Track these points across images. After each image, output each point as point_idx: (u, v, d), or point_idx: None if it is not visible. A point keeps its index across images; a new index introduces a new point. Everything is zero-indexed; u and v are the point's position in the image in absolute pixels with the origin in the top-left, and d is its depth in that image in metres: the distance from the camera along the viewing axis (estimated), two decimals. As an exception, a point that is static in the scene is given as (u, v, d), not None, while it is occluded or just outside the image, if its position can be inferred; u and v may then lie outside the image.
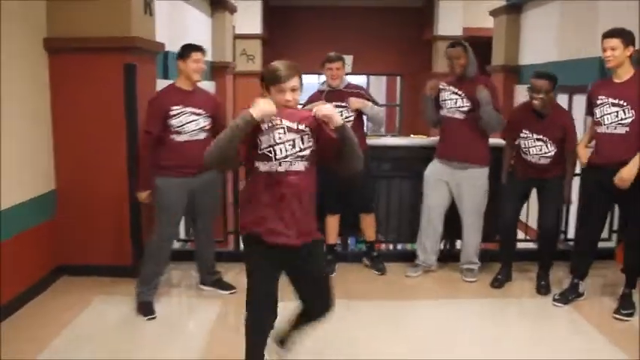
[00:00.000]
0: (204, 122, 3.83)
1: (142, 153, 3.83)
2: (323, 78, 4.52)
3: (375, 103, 4.47)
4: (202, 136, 3.82)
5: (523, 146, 4.16)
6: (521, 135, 4.15)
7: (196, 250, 4.19)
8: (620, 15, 5.33)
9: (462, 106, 4.25)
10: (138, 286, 3.85)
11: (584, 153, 4.02)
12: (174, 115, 3.72)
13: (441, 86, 4.34)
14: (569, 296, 4.05)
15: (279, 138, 2.50)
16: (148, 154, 3.77)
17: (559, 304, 4.02)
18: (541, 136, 4.06)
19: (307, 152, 2.55)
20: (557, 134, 4.04)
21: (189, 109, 3.76)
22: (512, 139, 4.31)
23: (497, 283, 4.37)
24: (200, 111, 3.81)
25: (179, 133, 3.74)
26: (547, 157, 4.08)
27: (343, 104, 4.32)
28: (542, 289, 4.24)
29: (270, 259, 2.58)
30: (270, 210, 2.53)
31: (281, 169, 2.51)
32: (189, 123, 3.76)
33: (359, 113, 4.40)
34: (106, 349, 3.37)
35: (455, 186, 4.38)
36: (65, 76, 4.23)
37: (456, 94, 4.27)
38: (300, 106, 2.73)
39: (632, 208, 3.77)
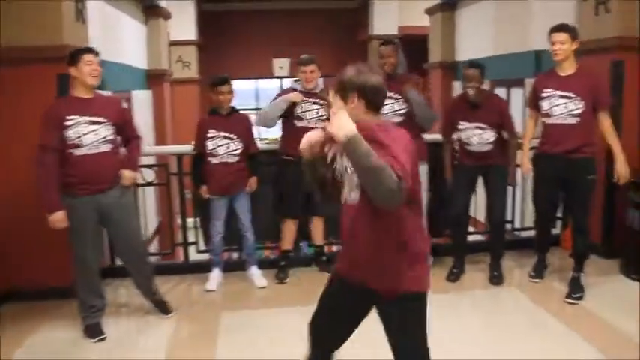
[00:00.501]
0: (105, 132, 3.46)
1: (39, 171, 3.36)
2: (261, 83, 4.48)
3: None
4: (106, 147, 3.47)
5: (464, 138, 4.24)
6: (460, 127, 4.24)
7: (129, 271, 3.86)
8: (553, 10, 5.50)
9: (400, 109, 4.22)
10: (80, 311, 3.64)
11: (527, 165, 4.14)
12: (70, 126, 3.35)
13: None
14: (541, 270, 4.33)
15: (343, 165, 2.15)
16: (50, 171, 3.34)
17: (536, 280, 4.30)
18: (480, 124, 4.17)
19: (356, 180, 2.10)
20: (494, 119, 4.17)
21: (86, 119, 3.39)
22: (449, 134, 4.42)
23: (454, 277, 4.42)
24: (100, 119, 3.44)
25: (78, 146, 3.37)
26: (489, 143, 4.18)
27: (320, 102, 4.29)
28: (495, 279, 4.32)
29: (340, 295, 2.30)
30: (343, 246, 2.34)
31: (349, 199, 2.17)
32: (88, 134, 3.39)
33: None
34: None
35: None
36: (-7, 89, 4.00)
37: (392, 97, 4.22)
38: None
39: (580, 196, 3.94)
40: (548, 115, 3.94)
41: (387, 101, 4.19)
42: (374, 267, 2.15)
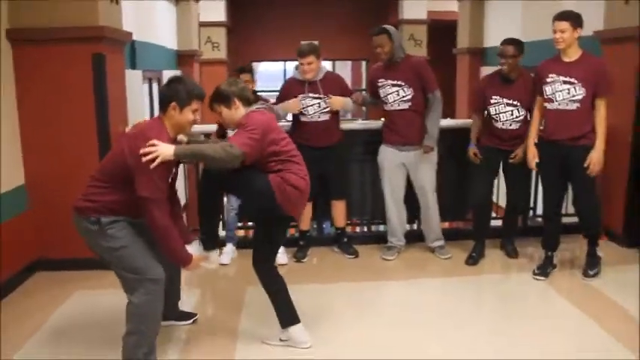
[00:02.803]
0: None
1: (165, 225, 2.79)
2: (289, 65, 4.53)
3: (349, 92, 4.52)
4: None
5: (493, 113, 4.26)
6: (492, 101, 4.25)
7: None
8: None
9: (405, 96, 4.28)
10: None
11: (534, 152, 4.07)
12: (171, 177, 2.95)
13: (379, 83, 4.36)
14: (546, 269, 4.18)
15: None
16: (171, 224, 2.83)
17: (540, 277, 4.13)
18: (511, 101, 4.19)
19: None
20: (527, 97, 4.16)
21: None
22: (479, 108, 4.43)
23: (472, 261, 4.47)
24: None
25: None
26: (518, 121, 4.21)
27: (320, 96, 4.31)
28: (513, 252, 4.54)
29: None
30: None
31: None
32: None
33: None
34: (87, 345, 3.28)
35: (412, 166, 4.43)
36: (31, 67, 4.14)
37: (396, 85, 4.29)
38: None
39: (584, 182, 3.95)
40: (550, 101, 3.94)
41: (391, 89, 4.30)
42: None
